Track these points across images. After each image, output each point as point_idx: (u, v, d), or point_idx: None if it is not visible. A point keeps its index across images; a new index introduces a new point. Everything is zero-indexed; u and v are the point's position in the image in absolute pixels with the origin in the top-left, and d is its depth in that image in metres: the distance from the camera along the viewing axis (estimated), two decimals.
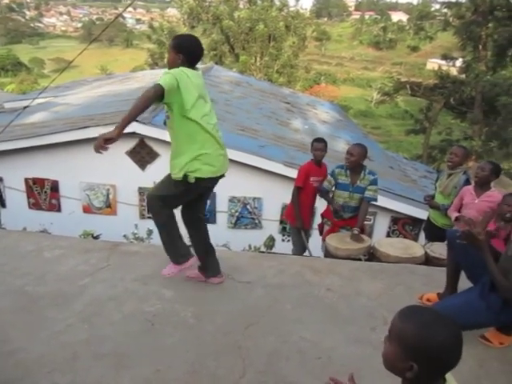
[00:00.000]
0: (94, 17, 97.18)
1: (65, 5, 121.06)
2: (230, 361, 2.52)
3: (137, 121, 7.06)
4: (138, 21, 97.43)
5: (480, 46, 15.64)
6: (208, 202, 7.64)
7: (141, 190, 7.60)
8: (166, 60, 16.36)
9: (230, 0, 21.06)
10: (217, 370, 2.46)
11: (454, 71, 19.35)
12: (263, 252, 5.73)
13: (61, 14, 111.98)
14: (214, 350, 2.62)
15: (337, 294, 3.26)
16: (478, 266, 2.83)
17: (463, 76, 17.57)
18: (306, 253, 5.24)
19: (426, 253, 4.10)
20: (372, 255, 4.16)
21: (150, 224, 7.38)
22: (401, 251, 4.03)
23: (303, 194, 5.10)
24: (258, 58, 20.87)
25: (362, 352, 2.61)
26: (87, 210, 7.82)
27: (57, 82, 15.35)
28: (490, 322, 2.79)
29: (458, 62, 18.66)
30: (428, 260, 4.04)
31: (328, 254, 4.20)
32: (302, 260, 3.86)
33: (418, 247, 4.20)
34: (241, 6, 21.69)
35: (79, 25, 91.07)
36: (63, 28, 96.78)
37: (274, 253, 5.57)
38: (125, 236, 6.09)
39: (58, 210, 7.86)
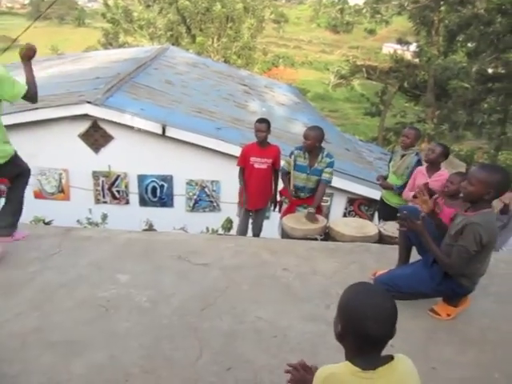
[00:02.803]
0: None
1: None
2: (187, 343, 2.51)
3: (89, 102, 6.83)
4: None
5: (433, 31, 16.01)
6: (165, 185, 7.60)
7: (95, 174, 7.39)
8: (120, 40, 15.80)
9: None
10: (173, 352, 2.44)
11: (408, 55, 19.75)
12: (221, 234, 5.71)
13: None
14: (169, 333, 2.60)
15: (293, 273, 3.30)
16: None
17: (417, 60, 17.96)
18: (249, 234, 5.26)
19: (379, 232, 4.21)
20: (328, 235, 4.23)
21: (105, 208, 7.29)
22: (355, 230, 4.12)
23: (245, 174, 5.11)
24: (216, 40, 20.55)
25: (317, 329, 2.66)
26: (39, 195, 7.52)
27: (3, 62, 14.58)
28: (432, 292, 2.93)
29: (413, 47, 19.05)
30: (381, 238, 4.16)
31: (284, 234, 4.24)
32: (258, 241, 3.88)
33: (371, 226, 4.30)
34: None
35: (26, 1, 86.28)
36: (9, 4, 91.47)
37: (231, 235, 5.56)
38: (78, 221, 5.92)
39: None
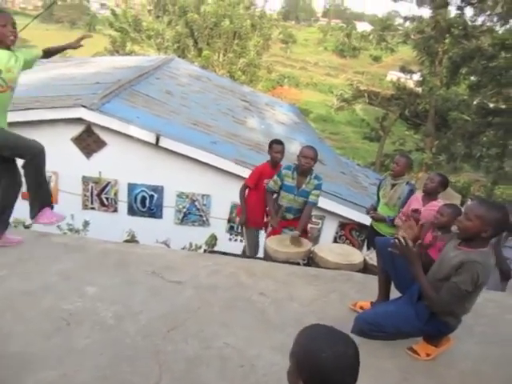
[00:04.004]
0: None
1: None
2: (146, 366, 2.36)
3: (84, 106, 6.75)
4: (103, 6, 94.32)
5: (436, 62, 16.11)
6: (155, 195, 7.48)
7: (85, 179, 7.27)
8: (127, 48, 15.87)
9: None
10: (130, 375, 2.29)
11: (411, 84, 19.87)
12: (205, 250, 5.57)
13: None
14: (130, 354, 2.45)
15: (269, 298, 3.16)
16: (405, 275, 2.83)
17: (419, 89, 18.06)
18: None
19: (364, 260, 4.09)
20: (311, 260, 4.11)
21: (92, 215, 7.15)
22: (340, 257, 3.99)
23: (255, 194, 5.03)
24: (222, 55, 20.64)
25: (286, 362, 2.50)
26: (26, 196, 7.38)
27: None
28: (417, 331, 2.77)
29: (416, 76, 19.18)
30: (366, 267, 4.03)
31: (267, 256, 4.11)
32: (238, 261, 3.75)
33: (357, 254, 4.18)
34: (209, 0, 21.38)
35: (39, 3, 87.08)
36: (22, 5, 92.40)
37: (215, 251, 5.43)
38: (58, 227, 5.77)
39: None
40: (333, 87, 50.73)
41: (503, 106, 11.31)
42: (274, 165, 5.00)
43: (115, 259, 3.47)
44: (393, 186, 4.78)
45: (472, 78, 15.02)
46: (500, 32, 13.35)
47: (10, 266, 3.21)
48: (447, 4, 12.46)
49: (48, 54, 3.64)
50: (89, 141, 7.19)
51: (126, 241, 5.60)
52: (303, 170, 4.63)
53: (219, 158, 7.17)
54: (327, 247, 4.26)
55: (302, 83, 52.00)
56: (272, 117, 13.14)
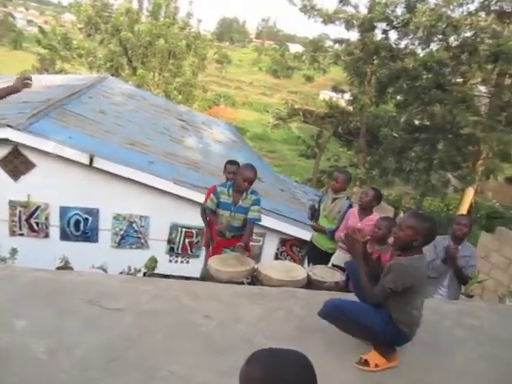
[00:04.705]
0: None
1: None
2: None
3: (10, 126, 6.37)
4: (30, 22, 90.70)
5: (365, 82, 16.88)
6: (90, 218, 7.15)
7: (12, 204, 6.81)
8: (57, 66, 15.24)
9: (130, 12, 20.43)
10: None
11: (342, 103, 20.68)
12: (144, 274, 5.37)
13: None
14: None
15: (214, 321, 3.07)
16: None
17: (350, 108, 18.82)
18: None
19: (308, 276, 4.10)
20: (255, 278, 4.06)
21: (21, 241, 6.70)
22: (283, 274, 3.98)
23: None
24: (157, 74, 20.42)
25: None
26: None
27: None
28: (380, 330, 2.80)
29: (347, 95, 20.00)
30: (310, 283, 4.05)
31: (209, 276, 4.02)
32: (180, 284, 3.62)
33: (300, 270, 4.19)
34: (143, 19, 21.16)
35: None
36: None
37: (156, 274, 5.25)
38: None
39: None
40: (268, 106, 51.73)
41: (428, 123, 12.07)
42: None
43: (47, 288, 3.22)
44: (333, 199, 4.88)
45: (398, 96, 15.93)
46: (421, 55, 14.34)
47: None
48: (374, 27, 13.17)
49: None
50: (16, 162, 6.77)
51: (59, 268, 5.27)
52: (240, 190, 4.58)
53: (157, 178, 7.01)
54: (270, 264, 4.24)
55: (238, 102, 52.61)
56: (209, 136, 13.12)
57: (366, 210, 4.57)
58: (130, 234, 7.31)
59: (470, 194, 13.16)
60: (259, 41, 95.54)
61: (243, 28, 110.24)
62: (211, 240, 4.93)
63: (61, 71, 20.34)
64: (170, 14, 20.69)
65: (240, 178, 4.49)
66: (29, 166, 6.80)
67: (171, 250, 7.40)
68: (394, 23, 11.99)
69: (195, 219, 7.25)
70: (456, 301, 4.26)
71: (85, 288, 3.26)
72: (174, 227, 7.39)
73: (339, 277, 4.15)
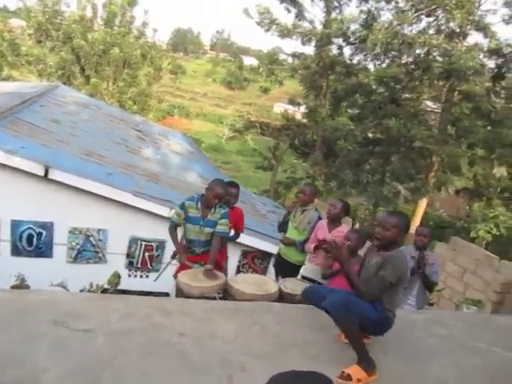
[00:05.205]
0: None
1: None
2: None
3: None
4: None
5: (321, 95, 17.25)
6: (44, 232, 6.80)
7: None
8: (4, 73, 14.49)
9: (84, 19, 19.90)
10: None
11: (298, 116, 21.00)
12: (106, 290, 5.14)
13: None
14: None
15: (190, 338, 2.96)
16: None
17: (306, 121, 19.16)
18: None
19: (279, 289, 4.07)
20: (227, 293, 3.98)
21: None
22: (255, 288, 3.93)
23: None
24: (111, 83, 19.94)
25: None
26: None
27: None
28: (376, 318, 2.95)
29: (302, 108, 20.33)
30: (281, 296, 4.01)
31: (180, 292, 3.89)
32: (151, 301, 3.47)
33: (271, 283, 4.15)
34: (96, 27, 20.67)
35: None
36: None
37: (122, 290, 5.04)
38: None
39: None
40: (222, 117, 51.84)
41: (382, 136, 12.47)
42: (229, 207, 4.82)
43: (7, 311, 2.99)
44: (302, 211, 4.90)
45: (352, 110, 16.38)
46: (372, 70, 14.86)
47: None
48: (331, 43, 13.52)
49: None
50: None
51: (15, 286, 4.95)
52: (210, 205, 4.50)
53: (116, 190, 6.79)
54: (241, 278, 4.17)
55: (192, 113, 52.29)
56: (167, 146, 12.92)
57: (334, 222, 4.61)
58: (87, 249, 7.02)
59: (422, 205, 13.66)
60: (213, 52, 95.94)
61: (197, 39, 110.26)
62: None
63: (8, 78, 19.44)
64: (125, 23, 20.32)
65: (211, 193, 4.41)
66: None
67: (130, 264, 7.18)
68: (351, 39, 12.37)
69: (155, 232, 7.11)
70: (424, 310, 4.37)
71: (49, 308, 3.06)
72: (133, 240, 7.19)
73: None
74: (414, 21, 10.94)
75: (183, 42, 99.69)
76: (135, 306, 3.28)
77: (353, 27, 12.79)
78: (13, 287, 4.86)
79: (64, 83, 16.84)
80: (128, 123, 13.61)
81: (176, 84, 61.95)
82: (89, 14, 20.36)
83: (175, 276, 4.55)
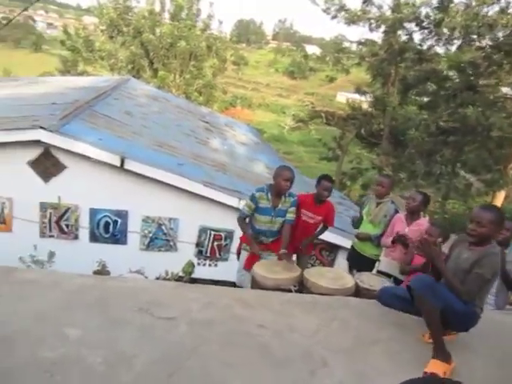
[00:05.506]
0: (0, 15, 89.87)
1: None
2: None
3: (43, 128, 6.34)
4: (50, 25, 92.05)
5: (389, 83, 16.65)
6: (119, 221, 7.09)
7: (43, 205, 6.78)
8: (79, 68, 15.18)
9: (152, 14, 20.49)
10: None
11: (365, 105, 20.45)
12: (181, 278, 5.26)
13: None
14: None
15: (269, 330, 2.94)
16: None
17: (372, 109, 18.59)
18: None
19: (356, 284, 3.96)
20: (302, 285, 3.93)
21: (51, 243, 6.67)
22: (332, 281, 3.84)
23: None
24: (178, 75, 20.41)
25: None
26: None
27: None
28: (461, 310, 2.85)
29: (368, 97, 19.76)
30: (358, 291, 3.90)
31: (255, 283, 3.89)
32: (229, 291, 3.50)
33: (348, 278, 4.04)
34: (164, 21, 21.21)
35: None
36: None
37: (196, 279, 5.14)
38: (21, 259, 5.27)
39: None
40: (285, 108, 51.68)
41: (457, 126, 11.80)
42: (318, 201, 4.81)
43: (94, 296, 3.13)
44: (378, 204, 4.73)
45: (423, 98, 15.62)
46: (443, 56, 14.07)
47: None
48: (403, 28, 12.95)
49: None
50: (47, 164, 6.73)
51: (96, 271, 5.20)
52: (281, 192, 4.51)
53: (187, 180, 6.93)
54: (317, 271, 4.10)
55: (255, 104, 52.58)
56: (233, 137, 13.03)
57: (413, 215, 4.42)
58: (159, 237, 7.24)
59: (500, 197, 12.84)
60: (276, 42, 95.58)
61: (260, 29, 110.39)
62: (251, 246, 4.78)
63: (83, 73, 20.45)
64: (191, 16, 20.66)
65: (281, 179, 4.42)
66: (60, 167, 6.76)
67: (199, 253, 7.31)
68: (424, 23, 11.76)
69: (224, 222, 7.19)
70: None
71: (133, 295, 3.16)
72: (202, 230, 7.30)
73: (388, 285, 3.99)
74: (495, 0, 10.19)
75: (246, 32, 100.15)
76: (215, 296, 3.31)
77: (424, 11, 12.20)
78: (95, 272, 5.10)
79: (133, 76, 17.43)
80: (195, 115, 13.86)
81: (238, 75, 62.50)
82: (157, 8, 20.90)
83: (246, 267, 4.58)
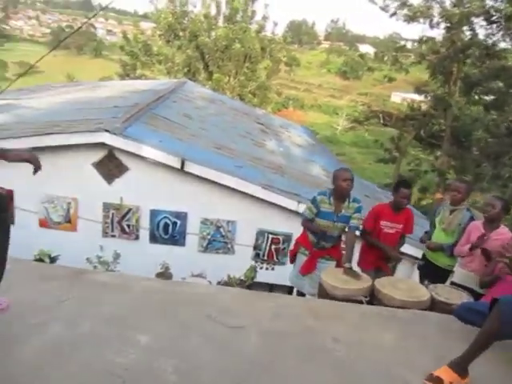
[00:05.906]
0: (64, 24, 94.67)
1: (34, 9, 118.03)
2: None
3: (107, 131, 6.47)
4: (109, 32, 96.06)
5: (451, 82, 15.92)
6: (178, 222, 7.13)
7: (106, 206, 6.94)
8: (138, 72, 15.61)
9: (208, 18, 20.77)
10: None
11: (423, 105, 19.69)
12: (243, 282, 5.17)
13: (29, 18, 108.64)
14: None
15: (344, 345, 2.77)
16: None
17: (432, 110, 17.83)
18: None
19: (431, 296, 3.69)
20: (373, 296, 3.72)
21: (113, 242, 6.79)
22: (406, 294, 3.60)
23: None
24: (232, 78, 20.55)
25: None
26: (44, 224, 7.05)
27: (20, 86, 14.43)
28: None
29: (421, 97, 18.99)
30: (433, 304, 3.64)
31: (323, 292, 3.72)
32: (299, 301, 3.36)
33: (422, 290, 3.78)
34: (219, 24, 21.46)
35: (47, 30, 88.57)
36: (30, 32, 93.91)
37: (253, 282, 5.03)
38: (88, 259, 5.38)
39: (11, 222, 7.03)
40: (337, 108, 50.98)
41: None
42: (397, 209, 4.63)
43: (162, 300, 3.08)
44: (451, 211, 4.42)
45: (486, 97, 14.80)
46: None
47: (49, 310, 2.83)
48: (470, 22, 12.31)
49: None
50: (110, 166, 6.88)
51: (159, 274, 5.22)
52: (343, 194, 4.32)
53: (246, 182, 6.85)
54: (389, 282, 3.87)
55: (307, 105, 52.25)
56: (288, 139, 12.88)
57: (492, 223, 4.07)
58: (217, 239, 7.22)
59: None
60: (328, 42, 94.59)
61: (312, 30, 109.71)
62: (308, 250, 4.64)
63: (141, 77, 21.02)
64: (246, 18, 20.75)
65: (340, 180, 4.28)
66: (122, 169, 6.89)
67: (257, 256, 7.22)
68: (494, 17, 11.09)
69: (282, 225, 7.06)
70: None
71: (200, 302, 3.08)
72: (260, 233, 7.21)
73: (466, 298, 3.70)
74: None
75: (298, 33, 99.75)
76: (284, 306, 3.17)
77: (489, 4, 11.49)
78: (158, 275, 5.12)
79: (189, 79, 17.70)
80: (250, 116, 13.84)
81: (291, 76, 62.28)
82: (213, 11, 21.14)
83: (302, 272, 4.45)
